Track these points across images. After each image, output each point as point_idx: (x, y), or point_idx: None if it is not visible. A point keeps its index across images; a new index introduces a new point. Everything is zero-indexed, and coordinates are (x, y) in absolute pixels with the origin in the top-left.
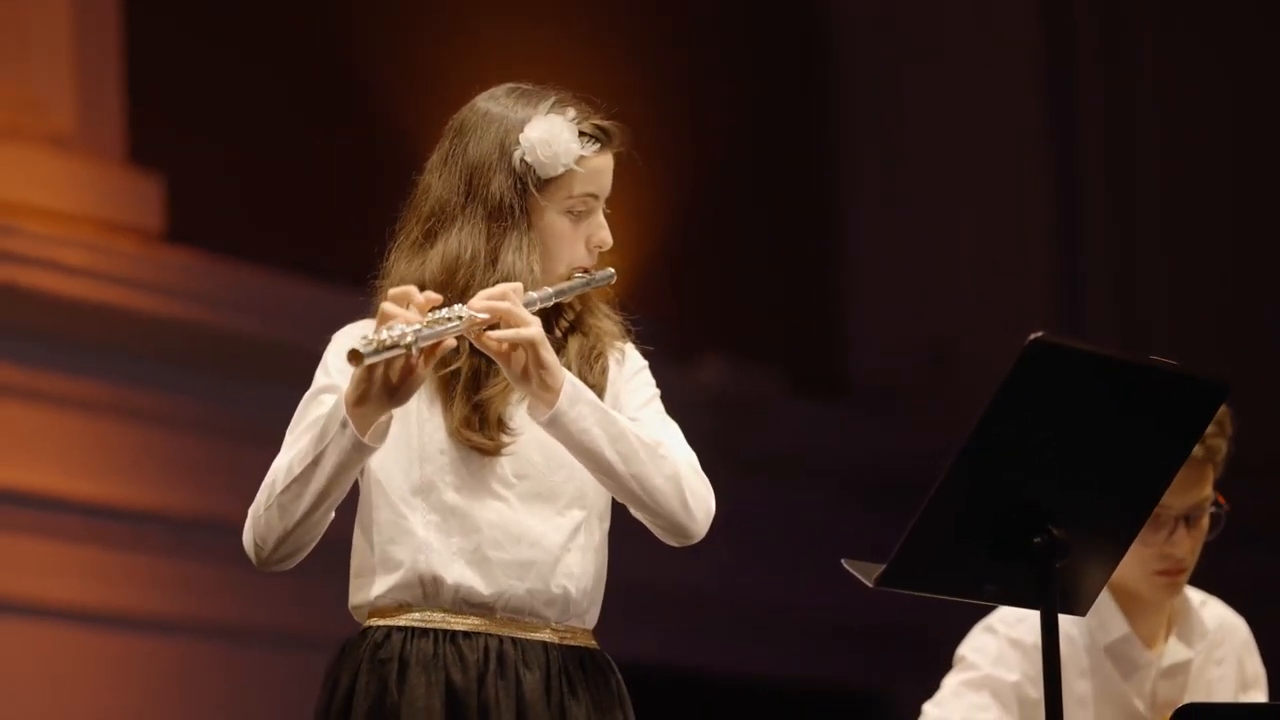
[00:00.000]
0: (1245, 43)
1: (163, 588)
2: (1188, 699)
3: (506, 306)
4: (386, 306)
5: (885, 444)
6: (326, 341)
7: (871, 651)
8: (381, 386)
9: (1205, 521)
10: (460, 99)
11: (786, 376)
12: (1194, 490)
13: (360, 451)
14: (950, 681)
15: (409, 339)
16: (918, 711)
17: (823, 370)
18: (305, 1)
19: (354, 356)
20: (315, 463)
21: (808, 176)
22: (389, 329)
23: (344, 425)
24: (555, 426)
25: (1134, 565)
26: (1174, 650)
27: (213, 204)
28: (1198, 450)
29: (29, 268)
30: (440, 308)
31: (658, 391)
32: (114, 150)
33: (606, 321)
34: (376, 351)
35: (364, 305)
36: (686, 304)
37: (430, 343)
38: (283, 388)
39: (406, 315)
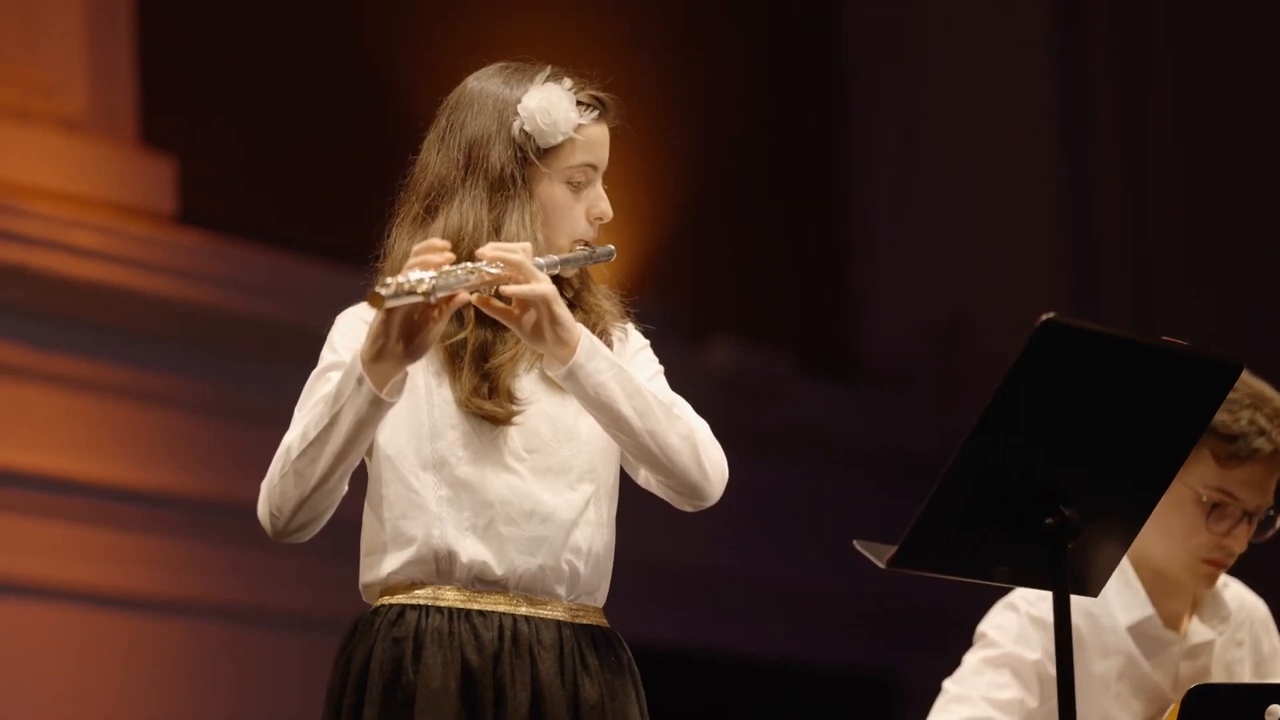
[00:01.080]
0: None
1: (175, 569)
2: (1210, 680)
3: (519, 259)
4: (412, 260)
5: (898, 424)
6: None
7: (887, 632)
8: (399, 339)
9: (1257, 522)
10: None
11: (799, 357)
12: (1267, 490)
13: (378, 407)
14: (971, 659)
15: (427, 285)
16: (937, 689)
17: (835, 351)
18: None
19: (375, 299)
20: (332, 423)
21: (821, 157)
22: (408, 275)
23: (360, 382)
24: (572, 380)
25: (1184, 550)
26: (1197, 631)
27: (224, 186)
28: None
29: (41, 250)
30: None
31: (661, 368)
32: (125, 133)
33: (606, 301)
34: (396, 295)
35: (366, 285)
36: (699, 285)
37: (447, 293)
38: (294, 369)
39: (427, 261)
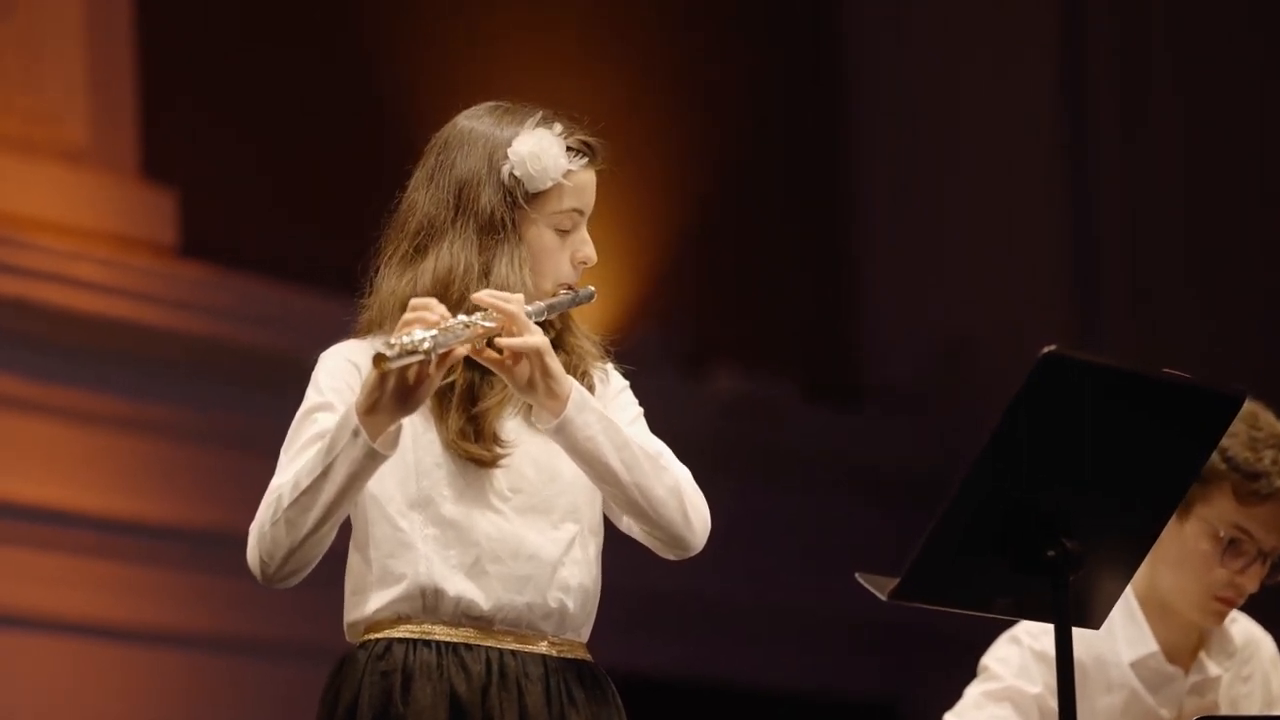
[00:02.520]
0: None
1: (176, 602)
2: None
3: (513, 309)
4: (407, 315)
5: (900, 447)
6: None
7: (889, 659)
8: (394, 394)
9: (1270, 564)
10: None
11: (800, 382)
12: None
13: (373, 459)
14: (972, 691)
15: (428, 344)
16: (938, 718)
17: (837, 376)
18: (319, 16)
19: (379, 360)
20: (325, 474)
21: (821, 182)
22: (408, 335)
23: (355, 434)
24: (562, 434)
25: (1197, 586)
26: (1203, 666)
27: (226, 218)
28: None
29: (42, 282)
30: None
31: (641, 411)
32: (127, 164)
33: (586, 342)
34: (400, 356)
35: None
36: (700, 311)
37: (445, 349)
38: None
39: (425, 319)
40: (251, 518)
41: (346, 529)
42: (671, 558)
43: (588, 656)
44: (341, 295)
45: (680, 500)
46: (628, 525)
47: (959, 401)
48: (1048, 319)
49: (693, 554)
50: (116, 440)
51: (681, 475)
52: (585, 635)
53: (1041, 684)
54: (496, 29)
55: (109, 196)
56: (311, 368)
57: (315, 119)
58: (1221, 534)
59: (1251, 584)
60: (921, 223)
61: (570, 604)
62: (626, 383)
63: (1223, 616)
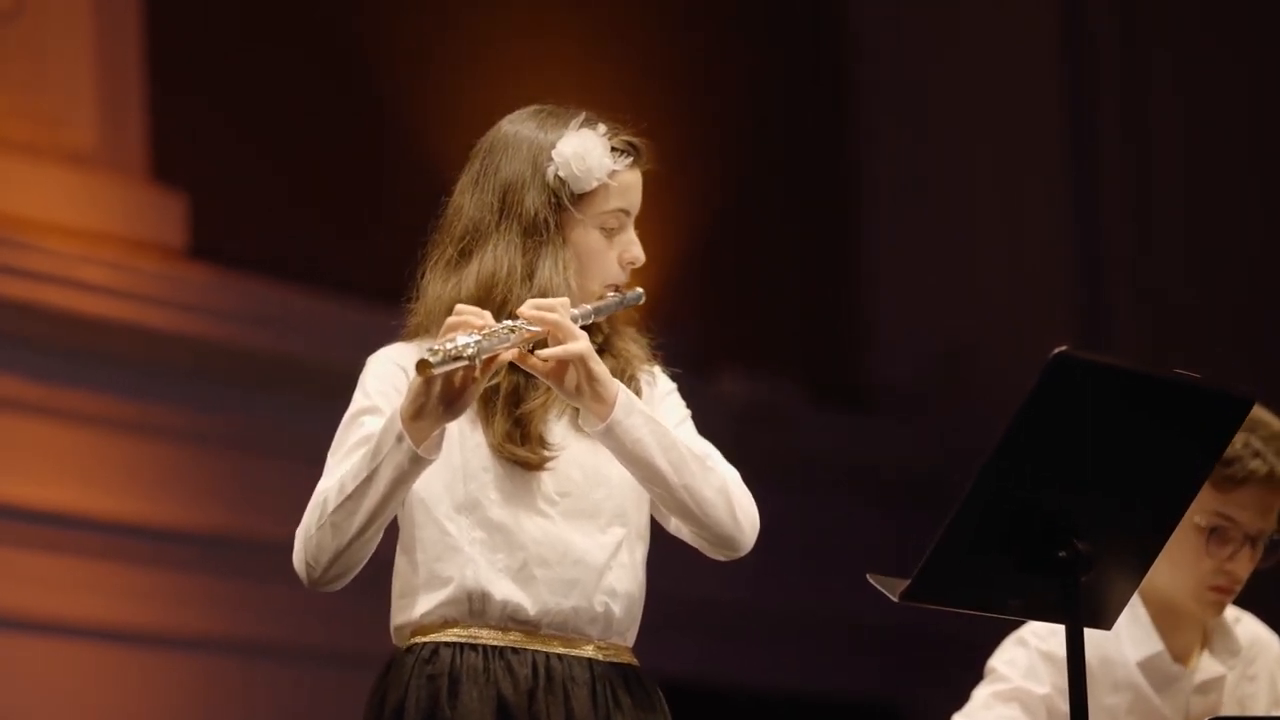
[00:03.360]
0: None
1: (186, 604)
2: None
3: (555, 318)
4: (451, 320)
5: (907, 452)
6: (350, 357)
7: (897, 661)
8: (439, 399)
9: (1261, 548)
10: (485, 122)
11: (807, 386)
12: (1268, 516)
13: (417, 465)
14: (980, 693)
15: (471, 350)
16: None
17: (844, 380)
18: (328, 19)
19: (423, 366)
20: (370, 479)
21: (824, 185)
22: (451, 340)
23: (400, 439)
24: (609, 437)
25: (1189, 577)
26: (1208, 666)
27: (235, 220)
28: None
29: (50, 285)
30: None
31: (689, 413)
32: (136, 167)
33: (633, 345)
34: (444, 361)
35: (382, 321)
36: (707, 315)
37: (490, 354)
38: (304, 403)
39: (470, 323)
40: (259, 518)
41: (390, 534)
42: (720, 558)
43: (634, 661)
44: (351, 298)
45: (728, 501)
46: (676, 527)
47: (962, 403)
48: (1050, 321)
49: (742, 554)
50: (124, 443)
51: (729, 476)
52: (631, 640)
53: (1049, 685)
54: (499, 31)
55: (117, 199)
56: (320, 368)
57: (323, 121)
58: (1204, 523)
59: (1243, 570)
60: (924, 225)
61: (616, 608)
62: (674, 385)
63: (1221, 606)
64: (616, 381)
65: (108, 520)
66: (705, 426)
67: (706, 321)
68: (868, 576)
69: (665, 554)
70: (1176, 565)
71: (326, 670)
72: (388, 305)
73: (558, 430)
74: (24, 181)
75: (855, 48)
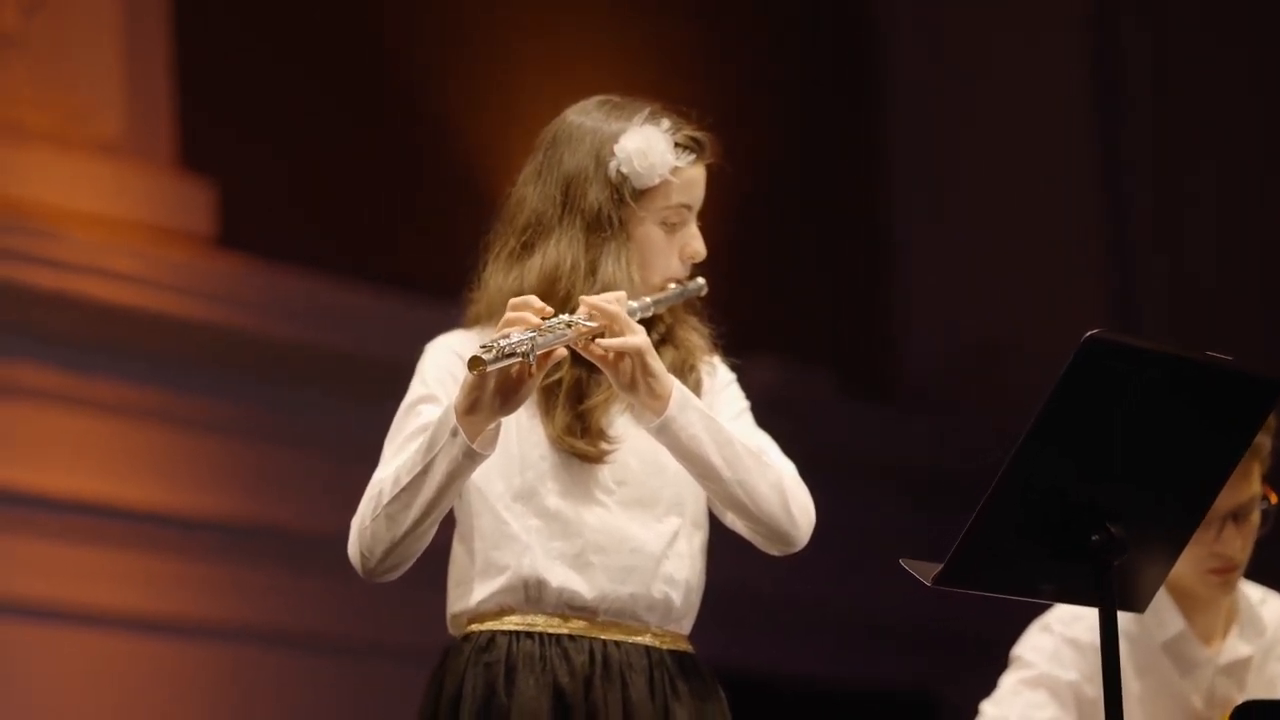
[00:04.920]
0: None
1: (215, 594)
2: (1247, 696)
3: (614, 311)
4: (509, 315)
5: (936, 444)
6: (379, 347)
7: (925, 653)
8: (494, 394)
9: (1255, 518)
10: (512, 110)
11: (837, 378)
12: (1240, 488)
13: (471, 459)
14: (1007, 680)
15: (526, 346)
16: (974, 711)
17: (873, 371)
18: (358, 5)
19: (475, 363)
20: (425, 472)
21: (856, 177)
22: (506, 337)
23: (454, 434)
24: (664, 433)
25: (1187, 564)
26: (1233, 647)
27: (264, 209)
28: None
29: (79, 274)
30: (549, 318)
31: (748, 404)
32: (164, 155)
33: (694, 335)
34: (497, 358)
35: (411, 312)
36: (736, 306)
37: (545, 350)
38: (333, 394)
39: (526, 320)
40: (289, 508)
41: (444, 524)
42: (775, 553)
43: (690, 649)
44: (381, 287)
45: (783, 496)
46: (731, 521)
47: (993, 396)
48: (1082, 314)
49: (797, 549)
50: (153, 432)
51: (786, 470)
52: (688, 628)
53: (1075, 671)
54: (527, 23)
55: (146, 188)
56: (350, 358)
57: (354, 111)
58: None
59: (1232, 547)
60: (956, 217)
61: (674, 596)
62: (733, 376)
63: (1228, 585)
64: (672, 377)
65: (134, 509)
66: None
67: (737, 311)
68: (901, 561)
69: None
70: None
71: (359, 660)
72: (418, 296)
73: (619, 423)
74: (52, 172)
75: (888, 40)
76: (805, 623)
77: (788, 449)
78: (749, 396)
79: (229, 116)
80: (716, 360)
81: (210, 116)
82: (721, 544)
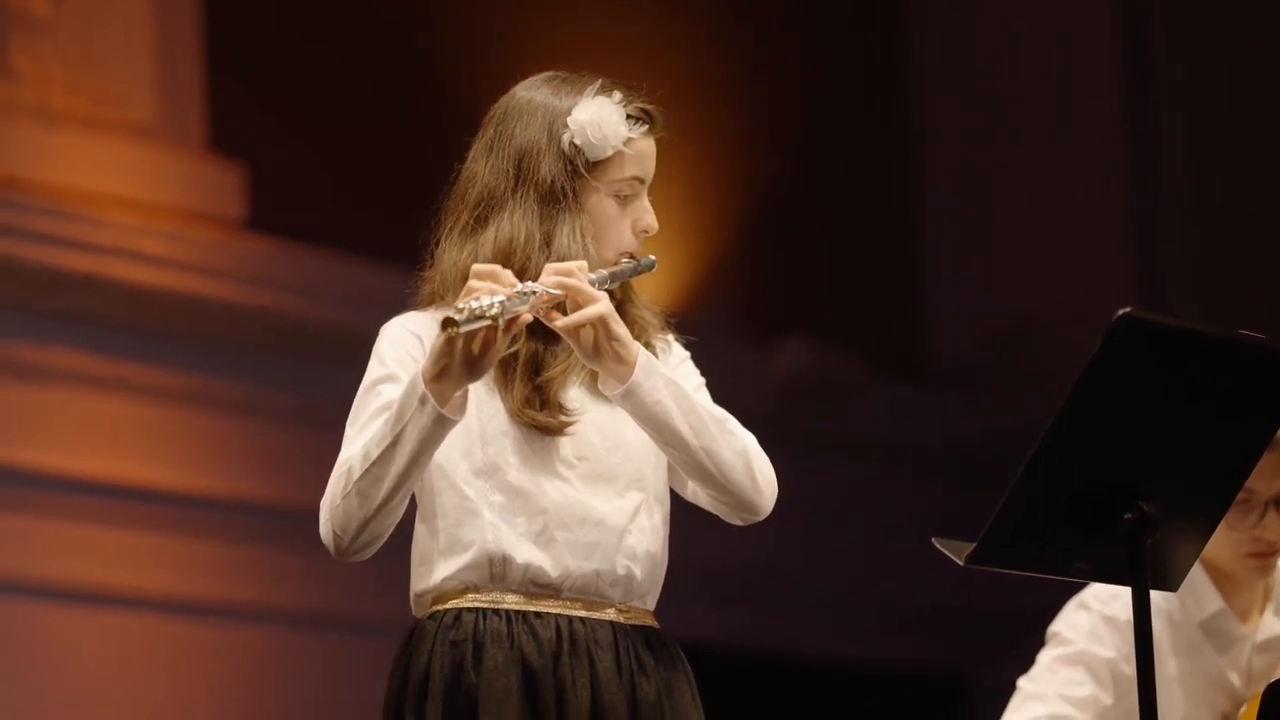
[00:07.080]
0: None
1: (252, 576)
2: None
3: (574, 283)
4: (473, 282)
5: (966, 424)
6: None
7: (958, 632)
8: (462, 360)
9: None
10: None
11: (867, 358)
12: None
13: (442, 426)
14: (1044, 657)
15: (496, 309)
16: (1009, 690)
17: (903, 351)
18: None
19: (448, 324)
20: (395, 443)
21: (887, 158)
22: (476, 299)
23: (423, 401)
24: (629, 399)
25: (1225, 547)
26: (1270, 624)
27: (294, 191)
28: None
29: (111, 258)
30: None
31: (704, 380)
32: (194, 139)
33: (646, 312)
34: (469, 320)
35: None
36: (766, 286)
37: (513, 315)
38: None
39: (491, 286)
40: (319, 493)
41: (412, 503)
42: (738, 523)
43: (655, 624)
44: (412, 268)
45: (748, 463)
46: (693, 492)
47: (1023, 377)
48: (1111, 295)
49: (760, 518)
50: (185, 415)
51: (748, 439)
52: (652, 603)
53: (1113, 648)
54: (560, 7)
55: (176, 172)
56: (374, 341)
57: (383, 92)
58: None
59: (1274, 533)
60: (986, 199)
61: (638, 571)
62: (687, 354)
63: (1267, 569)
64: (637, 344)
65: (169, 492)
66: (764, 398)
67: (769, 294)
68: (933, 540)
69: (726, 526)
70: (1211, 539)
71: (384, 639)
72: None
73: (575, 395)
74: (84, 155)
75: (917, 22)
76: (835, 604)
77: (818, 429)
78: (780, 379)
79: (259, 100)
80: (671, 337)
81: (240, 100)
82: (757, 528)
